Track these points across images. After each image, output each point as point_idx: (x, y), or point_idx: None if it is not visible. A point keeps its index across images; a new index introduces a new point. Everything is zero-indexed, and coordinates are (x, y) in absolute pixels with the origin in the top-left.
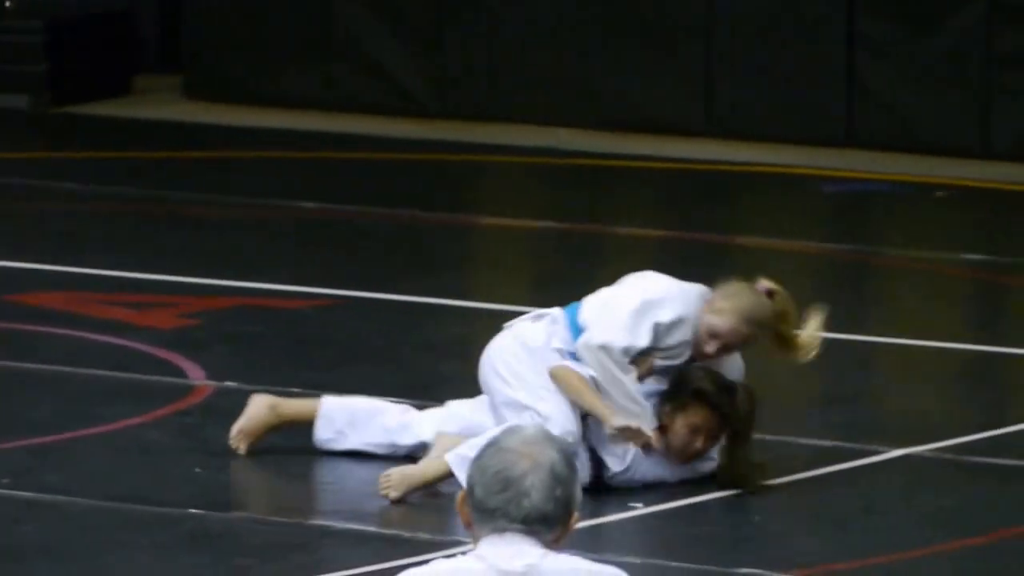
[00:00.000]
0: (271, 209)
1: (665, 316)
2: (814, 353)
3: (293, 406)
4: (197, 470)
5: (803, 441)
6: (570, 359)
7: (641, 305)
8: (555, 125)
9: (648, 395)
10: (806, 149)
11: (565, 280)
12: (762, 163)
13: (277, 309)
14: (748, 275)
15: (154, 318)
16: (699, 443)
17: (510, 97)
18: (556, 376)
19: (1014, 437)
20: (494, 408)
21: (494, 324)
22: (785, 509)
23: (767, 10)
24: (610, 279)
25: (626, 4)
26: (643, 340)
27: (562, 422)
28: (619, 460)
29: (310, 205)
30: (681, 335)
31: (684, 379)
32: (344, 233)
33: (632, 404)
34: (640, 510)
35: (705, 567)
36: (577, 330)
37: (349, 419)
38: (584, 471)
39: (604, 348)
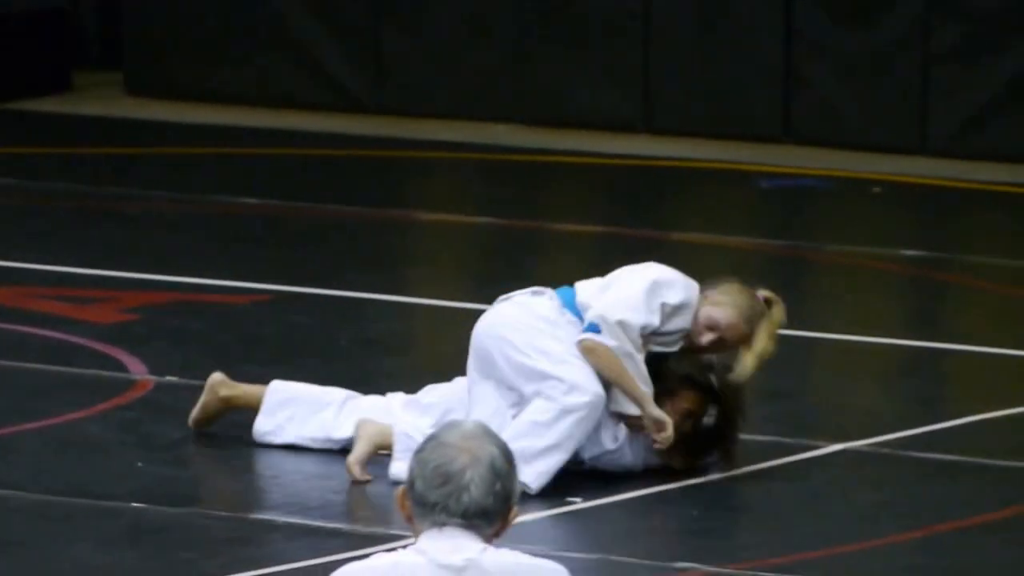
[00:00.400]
0: (211, 205)
1: (673, 298)
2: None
3: (242, 394)
4: (139, 464)
5: (742, 436)
6: (592, 332)
7: (652, 285)
8: (493, 121)
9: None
10: (743, 145)
11: (503, 276)
12: (699, 159)
13: (217, 304)
14: (689, 274)
15: (94, 313)
16: (687, 427)
17: (447, 93)
18: (590, 351)
19: (950, 432)
20: (487, 383)
21: (432, 319)
22: (724, 503)
23: (704, 6)
24: (548, 275)
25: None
26: (656, 319)
27: (590, 387)
28: (613, 439)
29: (250, 201)
30: (682, 321)
31: (667, 367)
32: (284, 229)
33: (644, 384)
34: (579, 505)
35: (644, 561)
36: (576, 312)
37: (290, 415)
38: (609, 438)
39: (622, 325)
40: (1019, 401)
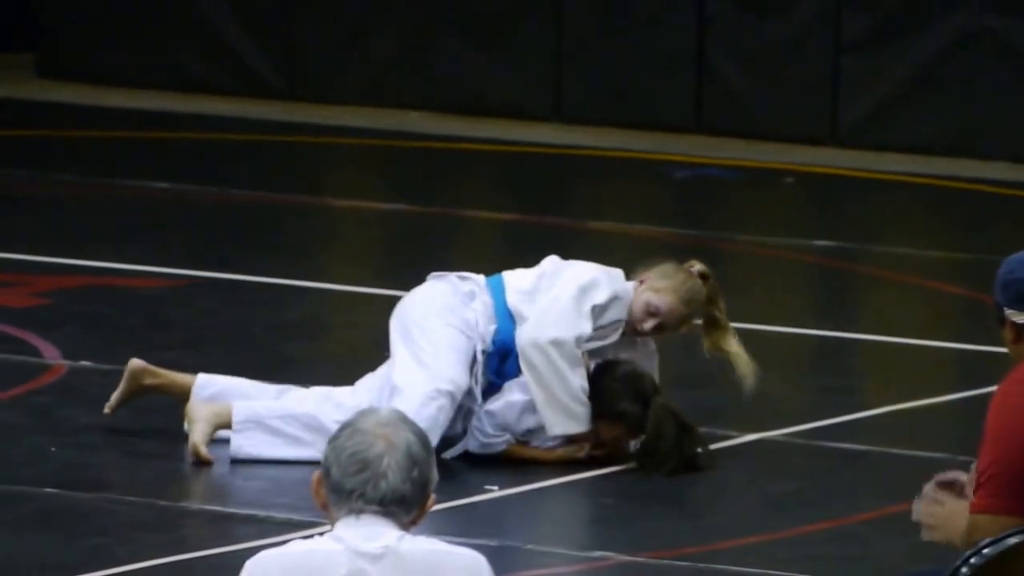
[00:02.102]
0: (122, 189)
1: (600, 297)
2: (752, 375)
3: (165, 382)
4: (53, 449)
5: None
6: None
7: (578, 292)
8: (403, 108)
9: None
10: (655, 135)
11: (414, 262)
12: (610, 148)
13: (130, 289)
14: (600, 262)
15: (6, 297)
16: (616, 449)
17: (358, 79)
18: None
19: (861, 423)
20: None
21: (344, 306)
22: (637, 492)
23: None
24: (460, 262)
25: None
26: (588, 326)
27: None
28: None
29: (161, 185)
30: (615, 314)
31: (607, 394)
32: (196, 214)
33: (575, 404)
34: (496, 493)
35: (559, 550)
36: (504, 309)
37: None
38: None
39: (556, 343)
40: (929, 391)
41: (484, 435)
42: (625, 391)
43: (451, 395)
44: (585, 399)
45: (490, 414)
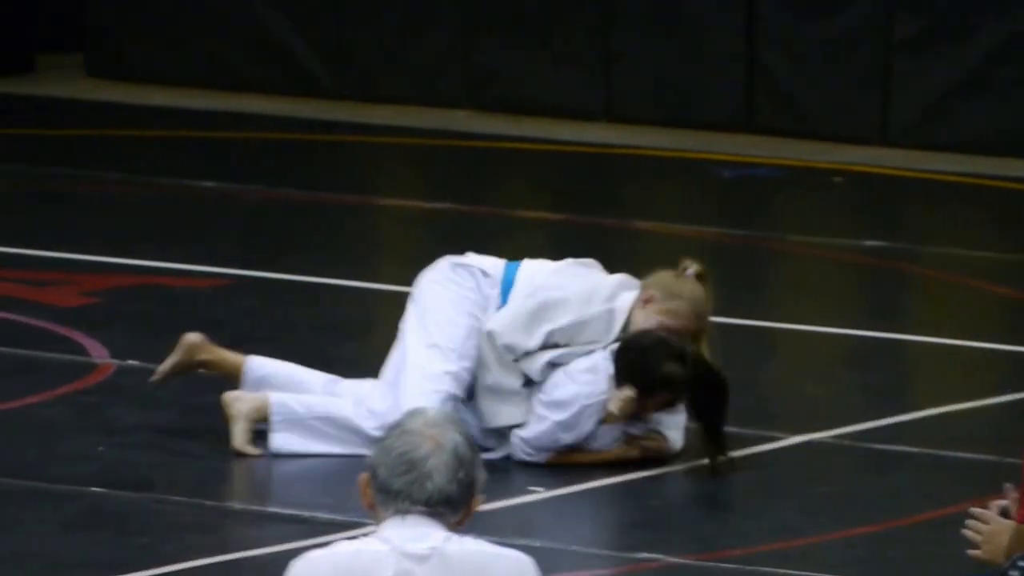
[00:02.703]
0: (170, 188)
1: (560, 321)
2: None
3: (218, 360)
4: (100, 449)
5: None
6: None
7: (538, 308)
8: (452, 107)
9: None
10: (703, 134)
11: None
12: (659, 148)
13: (178, 288)
14: (647, 261)
15: (54, 295)
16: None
17: (406, 78)
18: None
19: (909, 424)
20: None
21: (390, 305)
22: (683, 494)
23: None
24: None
25: None
26: (531, 343)
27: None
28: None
29: (210, 184)
30: (591, 332)
31: (642, 366)
32: (243, 213)
33: (493, 397)
34: (541, 494)
35: (605, 552)
36: (506, 299)
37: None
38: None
39: (490, 335)
40: (978, 393)
41: (525, 453)
42: (661, 356)
43: (456, 377)
44: (504, 394)
45: (526, 440)
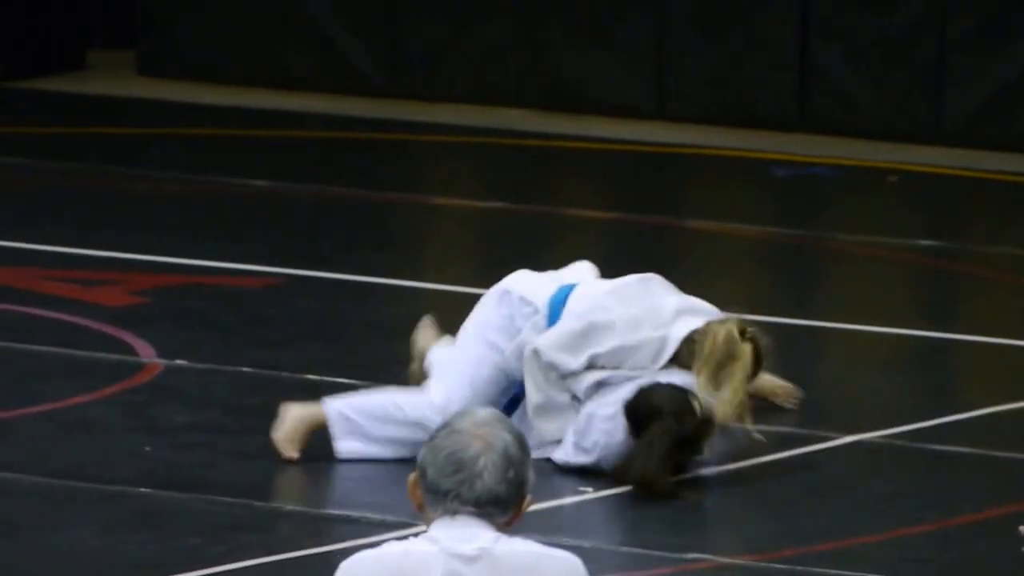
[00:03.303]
0: (222, 186)
1: (606, 345)
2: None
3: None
4: (146, 448)
5: (755, 426)
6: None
7: (584, 330)
8: (505, 106)
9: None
10: (757, 133)
11: (514, 261)
12: (712, 146)
13: (227, 287)
14: (701, 261)
15: (103, 295)
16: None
17: (460, 76)
18: None
19: (963, 424)
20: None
21: (443, 304)
22: (735, 494)
23: None
24: (560, 261)
25: None
26: (575, 364)
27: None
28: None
29: (261, 183)
30: (639, 358)
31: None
32: (295, 211)
33: (539, 414)
34: (591, 494)
35: (654, 552)
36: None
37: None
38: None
39: (536, 353)
40: None
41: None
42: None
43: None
44: (552, 411)
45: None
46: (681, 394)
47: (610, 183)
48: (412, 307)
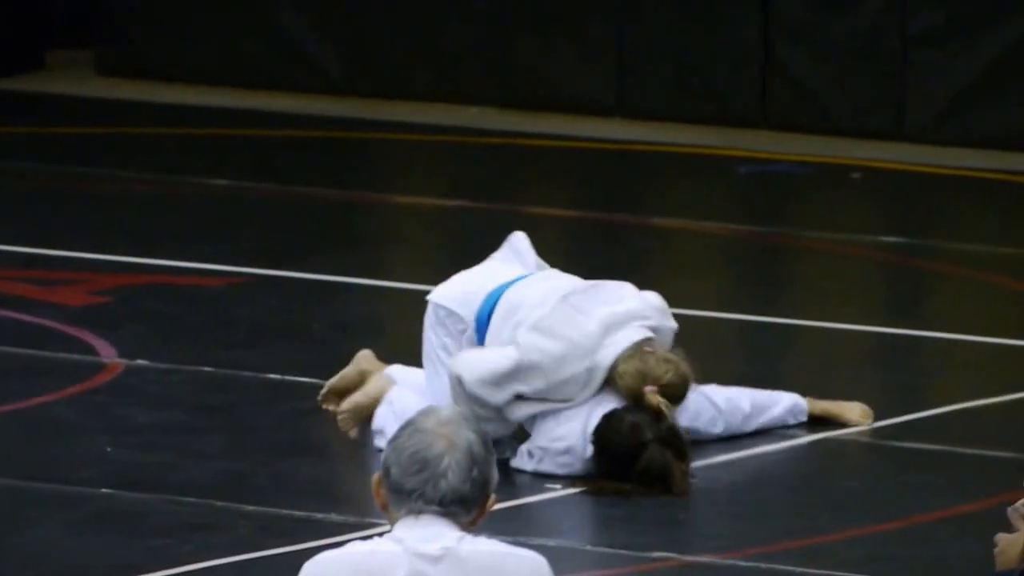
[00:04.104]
0: (183, 186)
1: (531, 385)
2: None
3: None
4: (108, 449)
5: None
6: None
7: (510, 370)
8: (466, 103)
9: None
10: (721, 130)
11: (477, 259)
12: (675, 144)
13: (189, 287)
14: (665, 258)
15: (64, 295)
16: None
17: (421, 75)
18: None
19: (929, 421)
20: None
21: (404, 303)
22: (701, 492)
23: None
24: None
25: None
26: (497, 399)
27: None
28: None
29: (223, 182)
30: (566, 391)
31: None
32: (255, 211)
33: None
34: (558, 492)
35: (621, 551)
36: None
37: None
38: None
39: (460, 381)
40: (998, 390)
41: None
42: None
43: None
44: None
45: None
46: (644, 415)
47: (574, 181)
48: (375, 307)
